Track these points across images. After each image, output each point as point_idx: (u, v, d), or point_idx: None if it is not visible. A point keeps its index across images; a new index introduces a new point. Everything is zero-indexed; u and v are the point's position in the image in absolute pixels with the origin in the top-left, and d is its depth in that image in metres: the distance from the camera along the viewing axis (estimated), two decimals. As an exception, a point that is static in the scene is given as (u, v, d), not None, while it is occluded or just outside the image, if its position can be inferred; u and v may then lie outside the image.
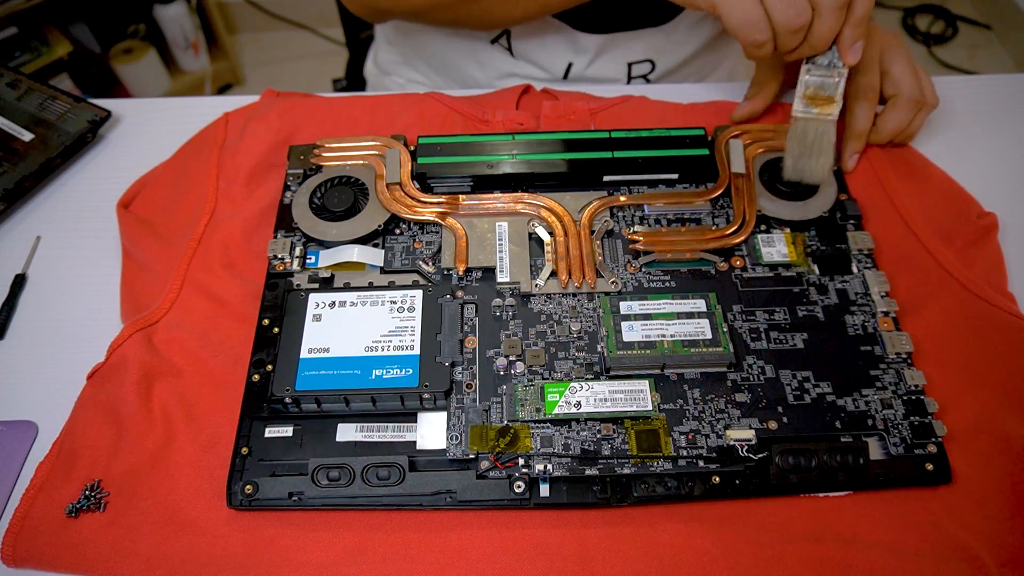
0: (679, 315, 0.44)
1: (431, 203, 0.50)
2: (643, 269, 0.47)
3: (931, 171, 0.54)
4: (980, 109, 0.60)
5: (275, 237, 0.49)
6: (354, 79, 1.02)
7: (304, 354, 0.43)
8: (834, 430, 0.41)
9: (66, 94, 0.60)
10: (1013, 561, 0.38)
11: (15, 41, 1.34)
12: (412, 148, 0.53)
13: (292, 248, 0.48)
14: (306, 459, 0.40)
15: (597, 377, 0.43)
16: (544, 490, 0.40)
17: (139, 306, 0.48)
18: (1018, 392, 0.42)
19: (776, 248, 0.48)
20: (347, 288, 0.46)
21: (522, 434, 0.41)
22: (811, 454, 0.40)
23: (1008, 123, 0.59)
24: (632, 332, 0.43)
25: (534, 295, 0.46)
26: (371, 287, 0.46)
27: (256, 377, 0.43)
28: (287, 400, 0.41)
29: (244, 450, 0.41)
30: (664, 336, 0.43)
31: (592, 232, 0.48)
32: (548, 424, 0.41)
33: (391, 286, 0.46)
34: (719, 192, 0.50)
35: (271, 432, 0.42)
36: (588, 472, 0.40)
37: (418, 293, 0.45)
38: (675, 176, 0.51)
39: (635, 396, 0.42)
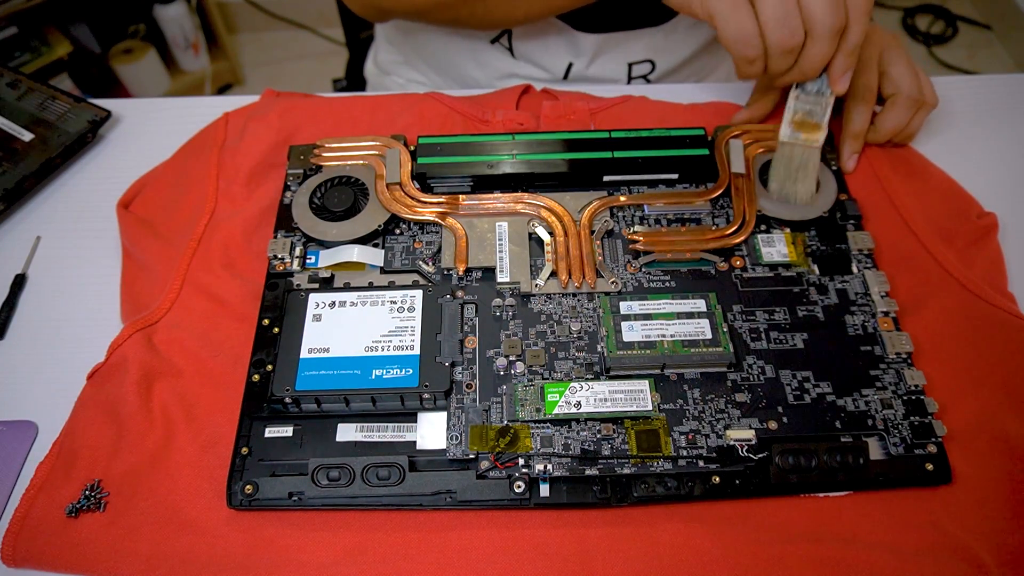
0: (679, 315, 0.44)
1: (431, 203, 0.50)
2: (643, 269, 0.47)
3: (931, 171, 0.54)
4: (980, 109, 0.60)
5: (275, 237, 0.49)
6: (354, 79, 1.02)
7: (304, 354, 0.43)
8: (834, 430, 0.41)
9: (66, 94, 0.60)
10: (1013, 561, 0.38)
11: (15, 41, 1.34)
12: (412, 148, 0.53)
13: (292, 248, 0.48)
14: (306, 459, 0.40)
15: (597, 377, 0.43)
16: (544, 490, 0.40)
17: (139, 306, 0.48)
18: (1018, 392, 0.43)
19: (776, 248, 0.48)
20: (347, 288, 0.46)
21: (522, 434, 0.41)
22: (811, 454, 0.40)
23: (1008, 123, 0.59)
24: (632, 332, 0.43)
25: (534, 295, 0.46)
26: (371, 287, 0.46)
27: (256, 377, 0.43)
28: (287, 400, 0.41)
29: (244, 450, 0.41)
30: (664, 336, 0.43)
31: (592, 232, 0.48)
32: (548, 424, 0.41)
33: (391, 286, 0.46)
34: (719, 192, 0.50)
35: (271, 432, 0.42)
36: (588, 472, 0.40)
37: (418, 293, 0.45)
38: (675, 176, 0.51)
39: (635, 396, 0.42)
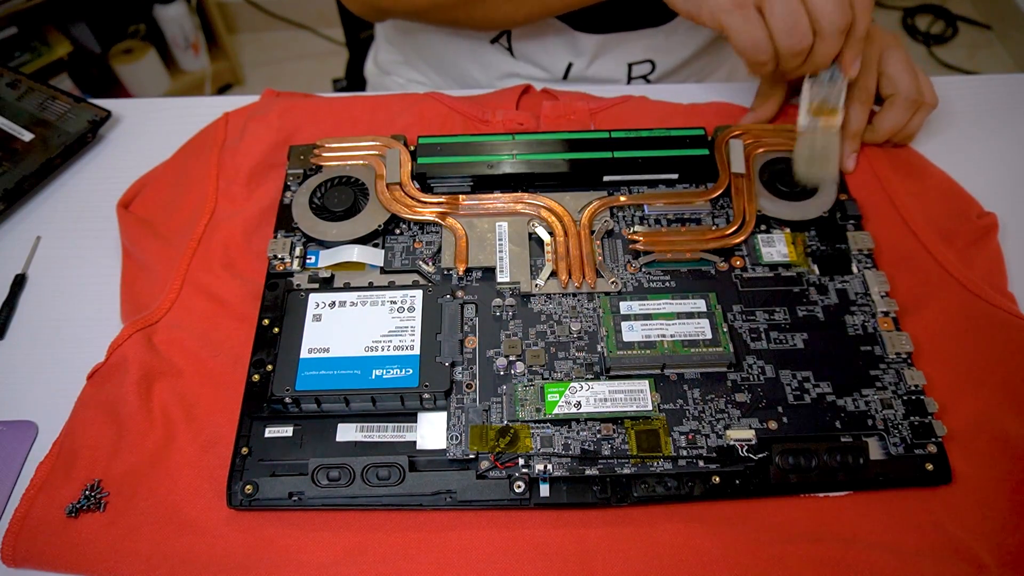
0: (679, 315, 0.44)
1: (431, 203, 0.50)
2: (643, 269, 0.47)
3: (931, 171, 0.54)
4: (980, 109, 0.60)
5: (275, 237, 0.49)
6: (354, 79, 1.02)
7: (304, 354, 0.43)
8: (834, 430, 0.41)
9: (66, 94, 0.60)
10: (1013, 561, 0.38)
11: (15, 41, 1.34)
12: (412, 148, 0.53)
13: (292, 248, 0.48)
14: (306, 459, 0.40)
15: (597, 377, 0.43)
16: (544, 490, 0.40)
17: (139, 306, 0.48)
18: (1018, 392, 0.42)
19: (776, 248, 0.48)
20: (347, 288, 0.46)
21: (522, 434, 0.41)
22: (811, 454, 0.40)
23: (1008, 123, 0.59)
24: (632, 332, 0.43)
25: (534, 295, 0.46)
26: (371, 287, 0.46)
27: (256, 377, 0.43)
28: (287, 400, 0.41)
29: (244, 450, 0.41)
30: (664, 336, 0.43)
31: (592, 232, 0.48)
32: (548, 424, 0.41)
33: (391, 286, 0.46)
34: (719, 192, 0.50)
35: (271, 432, 0.42)
36: (588, 472, 0.40)
37: (418, 293, 0.45)
38: (675, 176, 0.51)
39: (635, 396, 0.42)
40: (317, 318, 0.44)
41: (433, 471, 0.40)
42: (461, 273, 0.47)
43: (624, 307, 0.45)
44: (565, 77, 0.68)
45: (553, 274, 0.47)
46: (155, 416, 0.42)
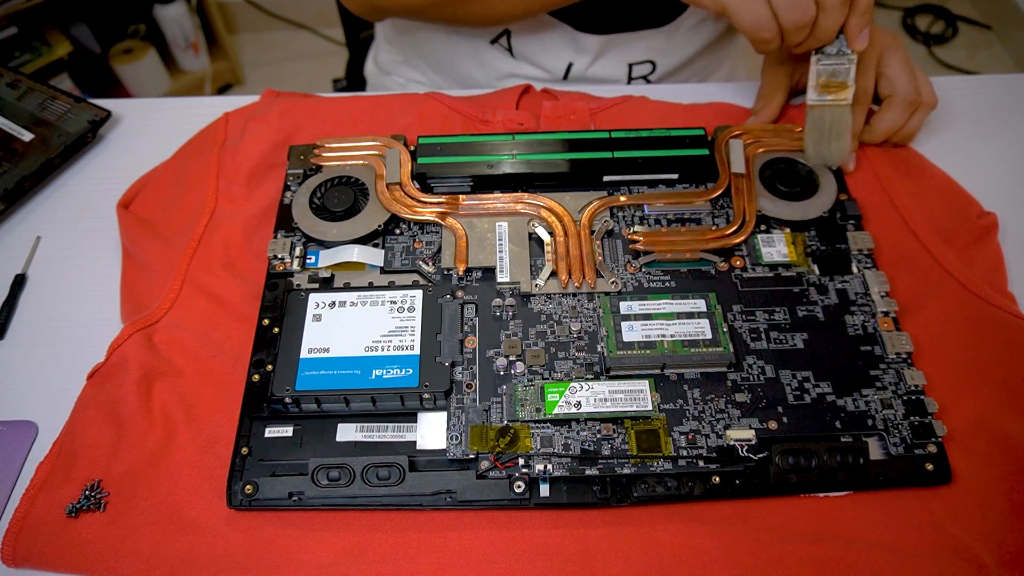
0: (679, 315, 0.44)
1: (431, 203, 0.50)
2: (643, 269, 0.47)
3: (931, 171, 0.54)
4: (980, 109, 0.60)
5: (275, 237, 0.49)
6: (354, 79, 1.02)
7: (304, 354, 0.43)
8: (834, 430, 0.41)
9: (66, 94, 0.60)
10: (1013, 561, 0.38)
11: (15, 41, 1.34)
12: (412, 148, 0.53)
13: (292, 248, 0.48)
14: (306, 459, 0.40)
15: (597, 377, 0.43)
16: (544, 490, 0.40)
17: (139, 306, 0.48)
18: (1018, 392, 0.42)
19: (776, 248, 0.48)
20: (347, 288, 0.46)
21: (522, 434, 0.41)
22: (811, 454, 0.40)
23: (1008, 123, 0.59)
24: (632, 332, 0.43)
25: (534, 295, 0.46)
26: (371, 287, 0.46)
27: (256, 377, 0.43)
28: (287, 400, 0.41)
29: (244, 450, 0.41)
30: (664, 336, 0.43)
31: (592, 232, 0.48)
32: (548, 424, 0.41)
33: (391, 286, 0.46)
34: (719, 192, 0.50)
35: (271, 432, 0.42)
36: (588, 472, 0.40)
37: (418, 293, 0.45)
38: (675, 176, 0.51)
39: (635, 396, 0.42)
40: (317, 318, 0.44)
41: (433, 471, 0.40)
42: (461, 273, 0.47)
43: (624, 307, 0.45)
44: (565, 77, 0.68)
45: (553, 274, 0.47)
46: (155, 416, 0.42)
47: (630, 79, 0.68)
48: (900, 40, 0.53)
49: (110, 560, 0.38)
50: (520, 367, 0.43)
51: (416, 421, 0.42)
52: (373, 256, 0.48)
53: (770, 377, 0.43)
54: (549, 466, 0.40)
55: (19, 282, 0.51)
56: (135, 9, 1.54)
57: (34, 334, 0.49)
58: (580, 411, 0.41)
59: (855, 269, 0.48)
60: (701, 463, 0.40)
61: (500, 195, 0.50)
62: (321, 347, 0.43)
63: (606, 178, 0.51)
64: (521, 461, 0.40)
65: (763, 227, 0.49)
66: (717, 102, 0.59)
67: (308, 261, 0.48)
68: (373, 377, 0.42)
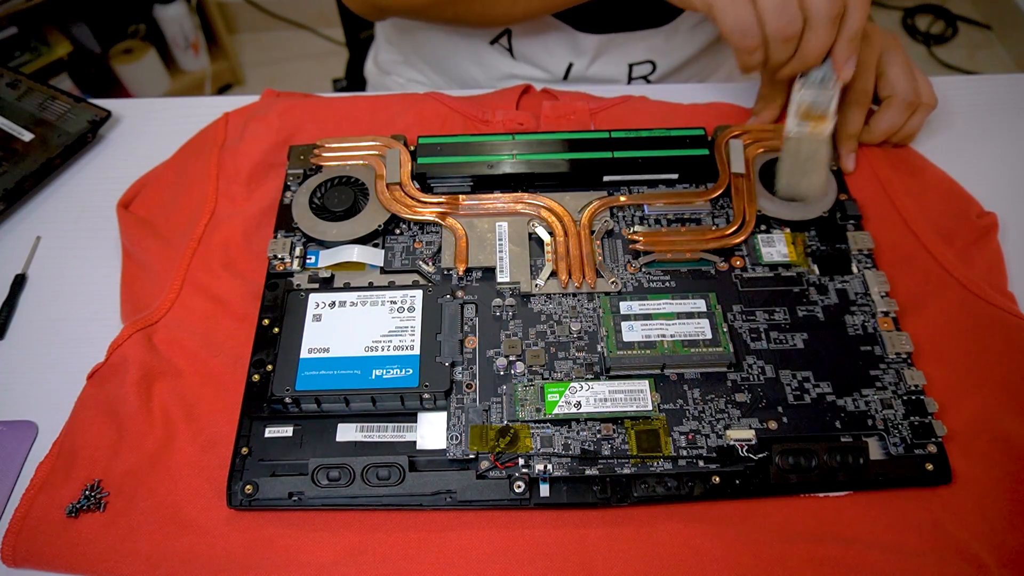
0: (679, 315, 0.44)
1: (431, 203, 0.50)
2: (643, 269, 0.47)
3: (931, 171, 0.54)
4: (980, 109, 0.60)
5: (275, 237, 0.49)
6: (354, 79, 1.02)
7: (304, 354, 0.43)
8: (834, 430, 0.41)
9: (66, 94, 0.60)
10: (1013, 561, 0.38)
11: (15, 41, 1.34)
12: (412, 148, 0.53)
13: (292, 248, 0.48)
14: (306, 459, 0.40)
15: (597, 377, 0.43)
16: (544, 490, 0.40)
17: (139, 306, 0.48)
18: (1018, 392, 0.43)
19: (776, 248, 0.48)
20: (347, 288, 0.46)
21: (522, 434, 0.41)
22: (811, 454, 0.40)
23: (1008, 123, 0.59)
24: (632, 332, 0.43)
25: (534, 295, 0.46)
26: (371, 287, 0.46)
27: (256, 377, 0.43)
28: (287, 400, 0.41)
29: (244, 450, 0.41)
30: (664, 336, 0.43)
31: (592, 232, 0.48)
32: (548, 424, 0.41)
33: (391, 286, 0.46)
34: (719, 192, 0.50)
35: (271, 432, 0.42)
36: (588, 472, 0.40)
37: (418, 293, 0.45)
38: (675, 176, 0.51)
39: (635, 396, 0.42)
40: (317, 318, 0.44)
41: (433, 471, 0.40)
42: (461, 273, 0.47)
43: (624, 307, 0.45)
44: (565, 77, 0.68)
45: (553, 274, 0.47)
46: (155, 416, 0.42)
47: (630, 79, 0.68)
48: (900, 40, 0.53)
49: (110, 560, 0.38)
50: (520, 367, 0.43)
51: (416, 421, 0.42)
52: (373, 256, 0.48)
53: (770, 377, 0.43)
54: (549, 466, 0.40)
55: (19, 282, 0.51)
56: (135, 9, 1.54)
57: (34, 334, 0.49)
58: (580, 411, 0.41)
59: (855, 269, 0.48)
60: (701, 463, 0.40)
61: (500, 195, 0.50)
62: (321, 347, 0.43)
63: (606, 178, 0.51)
64: (521, 461, 0.40)
65: (763, 227, 0.49)
66: (717, 102, 0.59)
67: (308, 261, 0.48)
68: (373, 377, 0.42)
